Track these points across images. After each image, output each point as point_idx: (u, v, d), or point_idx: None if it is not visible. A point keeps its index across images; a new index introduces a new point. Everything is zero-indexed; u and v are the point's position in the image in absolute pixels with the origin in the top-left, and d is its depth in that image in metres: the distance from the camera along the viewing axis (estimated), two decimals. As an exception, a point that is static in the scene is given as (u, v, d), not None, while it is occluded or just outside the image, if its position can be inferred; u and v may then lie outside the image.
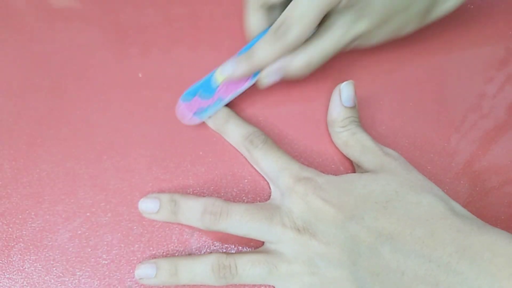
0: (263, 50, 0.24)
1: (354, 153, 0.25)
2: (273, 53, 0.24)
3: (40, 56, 0.29)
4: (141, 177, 0.26)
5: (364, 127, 0.26)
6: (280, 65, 0.24)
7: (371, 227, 0.20)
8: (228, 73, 0.25)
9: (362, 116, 0.27)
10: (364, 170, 0.24)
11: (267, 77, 0.25)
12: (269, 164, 0.24)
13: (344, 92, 0.25)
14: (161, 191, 0.26)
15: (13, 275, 0.24)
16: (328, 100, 0.28)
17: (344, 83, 0.25)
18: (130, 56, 0.29)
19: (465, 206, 0.25)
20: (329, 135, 0.27)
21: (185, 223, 0.23)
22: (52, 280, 0.24)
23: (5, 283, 0.24)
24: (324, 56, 0.24)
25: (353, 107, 0.25)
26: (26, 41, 0.30)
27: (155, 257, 0.24)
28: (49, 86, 0.28)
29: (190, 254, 0.24)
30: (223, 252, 0.23)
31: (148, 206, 0.24)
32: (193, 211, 0.23)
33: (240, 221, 0.22)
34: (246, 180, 0.26)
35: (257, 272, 0.22)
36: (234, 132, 0.25)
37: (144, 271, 0.23)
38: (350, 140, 0.25)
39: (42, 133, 0.27)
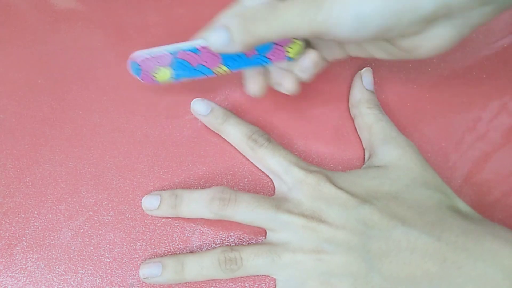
0: None
1: (375, 141, 0.25)
2: None
3: (43, 57, 0.30)
4: (143, 176, 0.26)
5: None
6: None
7: (383, 211, 0.22)
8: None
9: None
10: (375, 161, 0.25)
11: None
12: (277, 160, 0.24)
13: (365, 76, 0.27)
14: (163, 190, 0.26)
15: (16, 273, 0.24)
16: (326, 100, 0.29)
17: (364, 69, 0.27)
18: (132, 57, 0.30)
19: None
20: (327, 135, 0.27)
21: (187, 215, 0.24)
22: (55, 278, 0.24)
23: (8, 282, 0.24)
24: None
25: (373, 92, 0.27)
26: (29, 42, 0.30)
27: (157, 256, 0.24)
28: (52, 87, 0.29)
29: (191, 252, 0.25)
30: (226, 246, 0.23)
31: (150, 202, 0.24)
32: (200, 200, 0.23)
33: (247, 207, 0.23)
34: (246, 180, 0.26)
35: (260, 262, 0.22)
36: (235, 131, 0.26)
37: (149, 270, 0.23)
38: (375, 126, 0.25)
39: (45, 133, 0.27)
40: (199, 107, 0.26)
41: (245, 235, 0.25)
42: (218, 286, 0.24)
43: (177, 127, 0.28)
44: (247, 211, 0.23)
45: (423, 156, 0.24)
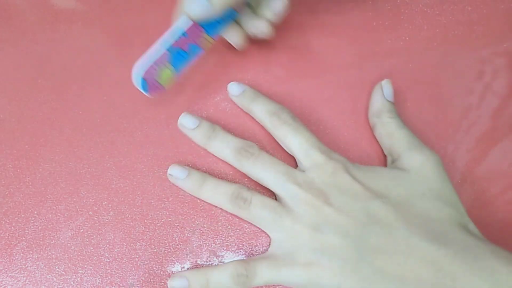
0: None
1: (399, 147, 0.25)
2: None
3: (42, 57, 0.30)
4: (143, 176, 0.26)
5: (363, 131, 0.27)
6: None
7: (391, 210, 0.22)
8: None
9: (362, 121, 0.28)
10: (399, 164, 0.25)
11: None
12: (299, 140, 0.24)
13: (386, 88, 0.27)
14: (163, 190, 0.26)
15: (16, 273, 0.24)
16: (328, 100, 0.29)
17: (384, 81, 0.27)
18: (132, 56, 0.29)
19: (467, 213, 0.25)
20: (331, 134, 0.27)
21: (218, 154, 0.26)
22: (55, 278, 0.24)
23: (7, 282, 0.24)
24: None
25: (393, 104, 0.27)
26: (29, 42, 0.30)
27: (156, 255, 0.24)
28: (52, 87, 0.29)
29: (192, 252, 0.25)
30: (245, 187, 0.24)
31: (188, 122, 0.26)
32: (230, 144, 0.25)
33: (263, 165, 0.24)
34: (246, 180, 0.26)
35: (264, 214, 0.23)
36: (261, 108, 0.26)
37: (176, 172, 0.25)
38: (397, 133, 0.25)
39: (45, 133, 0.27)
40: (234, 88, 0.27)
41: (245, 234, 0.25)
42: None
43: (177, 127, 0.28)
44: (261, 169, 0.24)
45: (445, 170, 0.24)
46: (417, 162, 0.24)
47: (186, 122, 0.26)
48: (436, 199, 0.23)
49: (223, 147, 0.25)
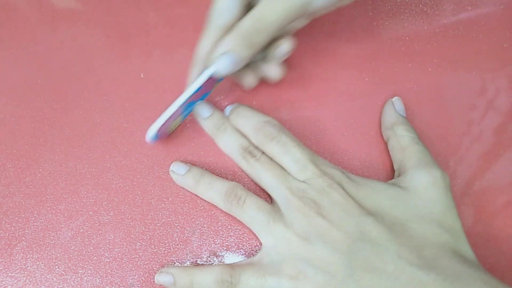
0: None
1: (408, 163, 0.24)
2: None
3: (43, 57, 0.30)
4: (143, 176, 0.26)
5: (362, 138, 0.27)
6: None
7: (384, 230, 0.21)
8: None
9: (361, 124, 0.28)
10: (402, 180, 0.24)
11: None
12: (290, 158, 0.24)
13: (398, 104, 0.27)
14: (163, 190, 0.26)
15: (16, 273, 0.24)
16: (326, 101, 0.29)
17: (395, 97, 0.27)
18: (132, 57, 0.30)
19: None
20: (331, 141, 0.27)
21: (224, 148, 0.26)
22: (55, 278, 0.24)
23: (7, 282, 0.24)
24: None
25: (406, 119, 0.26)
26: (29, 42, 0.30)
27: (156, 255, 0.24)
28: (52, 86, 0.29)
29: (192, 252, 0.25)
30: (240, 185, 0.24)
31: (202, 110, 0.27)
32: (238, 143, 0.25)
33: (263, 165, 0.24)
34: (246, 180, 0.26)
35: (257, 216, 0.23)
36: (245, 125, 0.25)
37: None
38: (410, 148, 0.24)
39: (45, 133, 0.27)
40: (226, 109, 0.27)
41: (245, 234, 0.25)
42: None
43: (177, 127, 0.28)
44: (261, 169, 0.24)
45: (451, 193, 0.23)
46: (423, 182, 0.23)
47: (201, 110, 0.27)
48: (435, 223, 0.22)
49: (231, 143, 0.25)
